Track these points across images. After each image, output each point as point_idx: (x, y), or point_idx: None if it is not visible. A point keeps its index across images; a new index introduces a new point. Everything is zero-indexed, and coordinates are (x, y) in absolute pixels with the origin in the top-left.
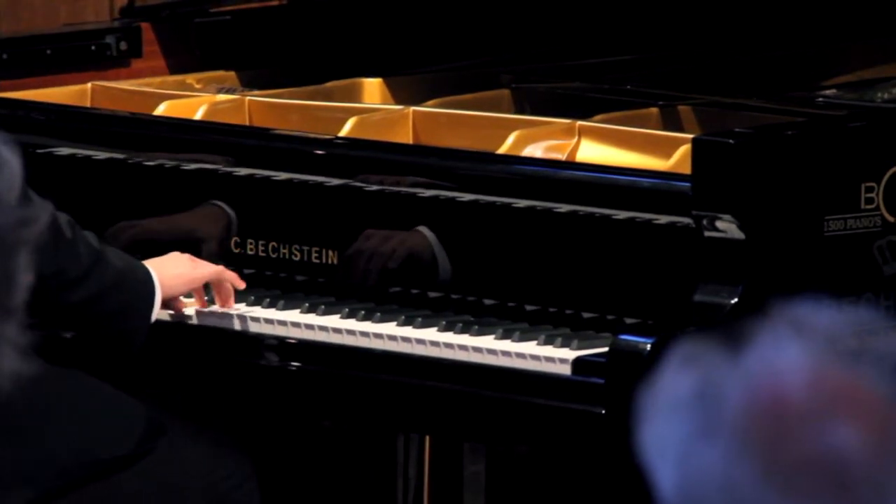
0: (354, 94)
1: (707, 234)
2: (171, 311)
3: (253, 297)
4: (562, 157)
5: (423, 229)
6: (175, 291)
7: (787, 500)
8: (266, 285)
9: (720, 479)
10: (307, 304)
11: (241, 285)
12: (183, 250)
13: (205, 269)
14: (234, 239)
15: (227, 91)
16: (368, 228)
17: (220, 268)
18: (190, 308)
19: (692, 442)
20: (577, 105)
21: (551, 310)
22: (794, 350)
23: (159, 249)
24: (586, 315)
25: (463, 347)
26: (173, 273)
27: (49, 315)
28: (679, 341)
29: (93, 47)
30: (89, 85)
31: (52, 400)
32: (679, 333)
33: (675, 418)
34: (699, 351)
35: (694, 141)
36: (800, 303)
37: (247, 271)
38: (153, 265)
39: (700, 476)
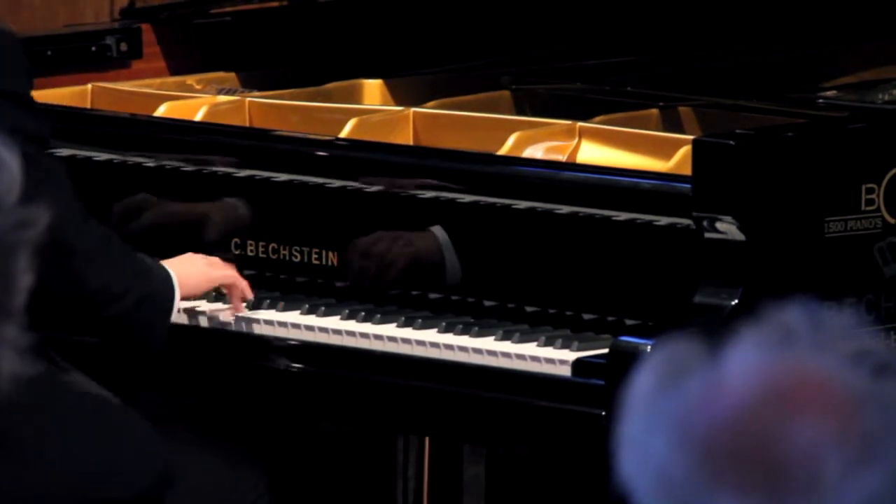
0: (355, 96)
1: (707, 235)
2: None
3: (253, 299)
4: (562, 158)
5: (437, 230)
6: (192, 292)
7: (740, 500)
8: (266, 287)
9: (675, 475)
10: (307, 306)
11: (250, 295)
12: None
13: (221, 271)
14: (235, 240)
15: (228, 92)
16: (369, 229)
17: (235, 272)
18: (190, 307)
19: (658, 442)
20: (577, 106)
21: (551, 311)
22: (758, 350)
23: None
24: (586, 316)
25: (463, 349)
26: (190, 273)
27: (83, 327)
28: (664, 342)
29: (93, 48)
30: (89, 86)
31: (56, 422)
32: (679, 335)
33: (644, 418)
34: (674, 352)
35: (694, 142)
36: (782, 305)
37: (247, 272)
38: (172, 266)
39: (663, 473)
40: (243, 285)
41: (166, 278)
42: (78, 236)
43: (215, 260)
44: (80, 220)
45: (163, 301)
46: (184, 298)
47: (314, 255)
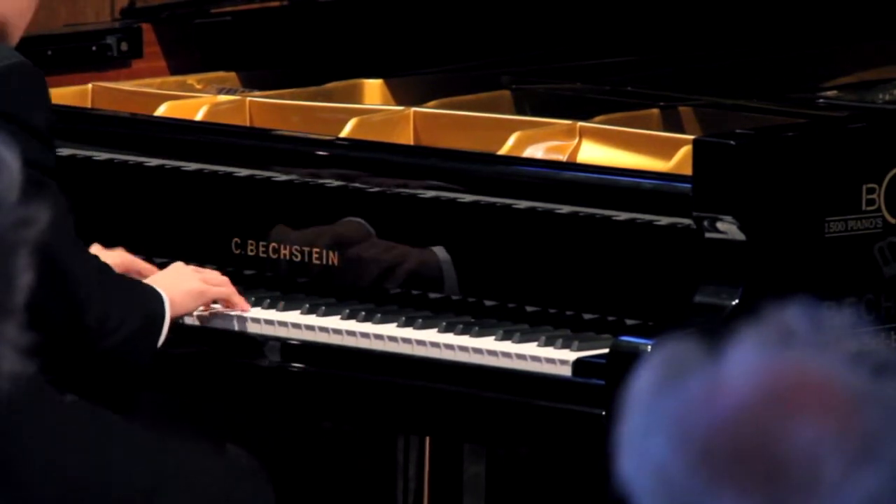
0: (355, 95)
1: (708, 235)
2: None
3: (254, 298)
4: (563, 158)
5: (439, 250)
6: (184, 310)
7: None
8: (267, 286)
9: (676, 475)
10: (308, 305)
11: (247, 308)
12: None
13: (214, 287)
14: (235, 240)
15: (228, 92)
16: (373, 233)
17: (227, 287)
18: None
19: (658, 442)
20: (577, 106)
21: (552, 311)
22: (759, 350)
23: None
24: (587, 316)
25: (463, 349)
26: (183, 290)
27: (76, 361)
28: (664, 342)
29: (93, 48)
30: (90, 86)
31: (51, 423)
32: (679, 335)
33: (644, 418)
34: (675, 352)
35: (695, 142)
36: (783, 305)
37: (247, 272)
38: (163, 285)
39: (663, 473)
40: (238, 300)
41: (158, 302)
42: (74, 264)
43: (208, 272)
44: (77, 250)
45: (152, 327)
46: (175, 316)
47: (314, 255)
